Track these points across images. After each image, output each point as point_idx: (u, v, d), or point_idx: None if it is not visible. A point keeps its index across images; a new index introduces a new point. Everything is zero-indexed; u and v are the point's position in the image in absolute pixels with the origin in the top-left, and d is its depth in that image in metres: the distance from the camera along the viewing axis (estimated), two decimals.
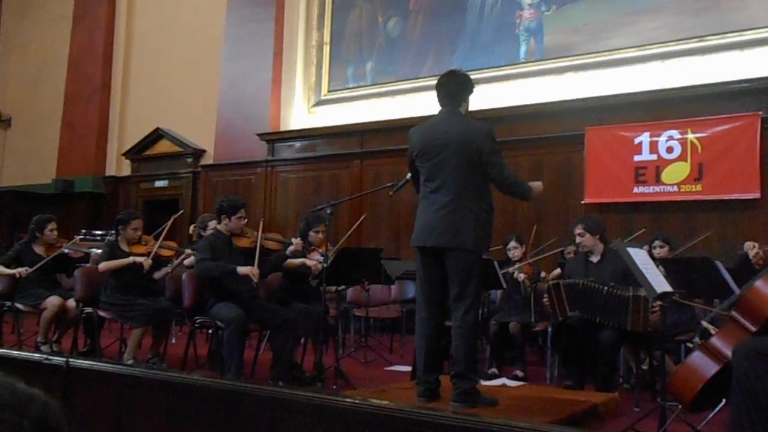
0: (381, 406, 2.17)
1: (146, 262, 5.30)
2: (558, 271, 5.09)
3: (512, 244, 5.85)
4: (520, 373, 5.29)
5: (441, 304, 3.76)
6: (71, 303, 5.60)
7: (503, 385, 4.57)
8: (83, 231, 8.58)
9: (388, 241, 8.53)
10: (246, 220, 5.21)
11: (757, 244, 4.69)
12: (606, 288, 4.51)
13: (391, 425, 2.09)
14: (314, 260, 5.25)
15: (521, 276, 5.51)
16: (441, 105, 3.84)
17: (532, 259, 5.80)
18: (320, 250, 5.30)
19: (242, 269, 4.83)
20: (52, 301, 5.58)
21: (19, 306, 5.75)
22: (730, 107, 6.85)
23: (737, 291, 3.40)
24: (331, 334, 5.84)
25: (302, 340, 5.57)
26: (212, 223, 6.13)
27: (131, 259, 5.32)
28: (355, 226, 6.38)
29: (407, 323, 7.04)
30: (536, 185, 3.87)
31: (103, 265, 5.31)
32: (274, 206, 9.97)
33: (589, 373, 4.81)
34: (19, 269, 5.71)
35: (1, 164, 14.03)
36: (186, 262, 5.73)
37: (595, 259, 4.96)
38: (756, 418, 2.51)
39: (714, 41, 7.18)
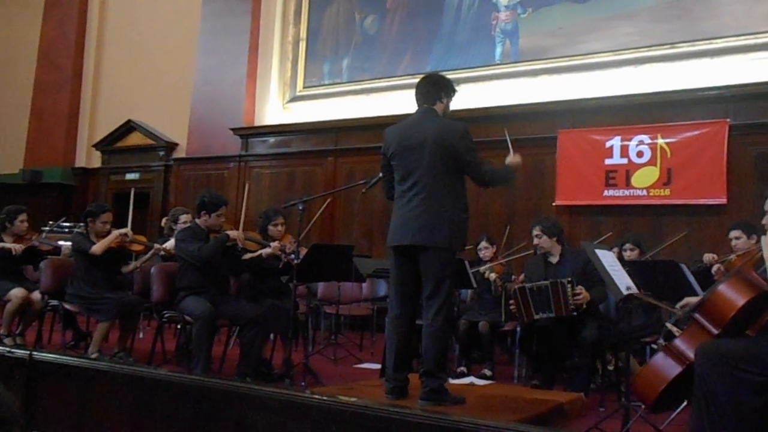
0: (349, 404, 2.17)
1: (129, 232, 5.42)
2: (523, 276, 5.18)
3: (483, 244, 5.89)
4: (488, 372, 5.33)
5: (413, 303, 3.78)
6: (36, 295, 5.51)
7: (471, 384, 4.61)
8: (50, 222, 8.42)
9: (360, 239, 8.53)
10: (224, 219, 5.17)
11: (716, 256, 4.82)
12: (533, 285, 4.72)
13: (359, 422, 2.09)
14: (273, 247, 5.20)
15: (493, 275, 5.54)
16: (417, 105, 3.88)
17: (504, 259, 5.85)
18: (283, 244, 5.27)
19: (232, 233, 4.97)
20: (16, 293, 5.49)
21: None
22: (699, 114, 6.97)
23: (701, 294, 3.47)
24: (301, 330, 5.81)
25: (271, 337, 5.54)
26: (184, 217, 6.08)
27: (117, 232, 5.36)
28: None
29: (378, 321, 7.05)
30: (512, 160, 3.85)
31: (96, 247, 5.25)
32: (246, 201, 9.90)
33: (558, 373, 4.88)
34: (14, 245, 5.65)
35: None
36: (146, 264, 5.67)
37: (554, 260, 5.03)
38: (716, 418, 2.56)
39: (685, 48, 7.30)
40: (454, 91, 3.92)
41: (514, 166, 3.86)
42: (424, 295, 3.67)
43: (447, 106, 3.89)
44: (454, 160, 3.65)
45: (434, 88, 3.85)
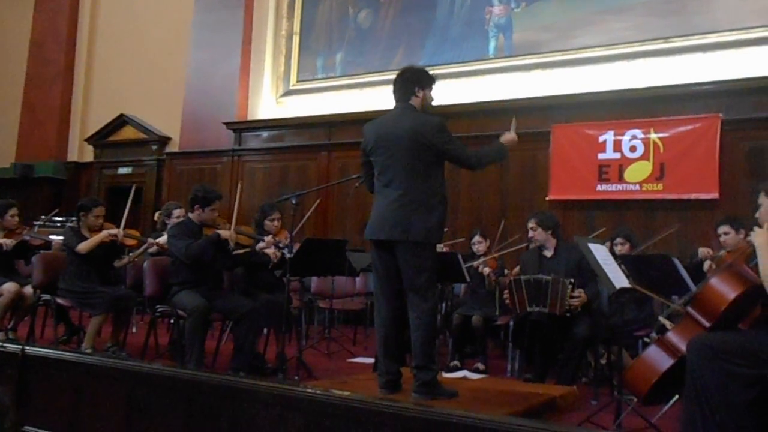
0: (342, 397, 2.17)
1: (119, 232, 5.35)
2: (518, 268, 5.18)
3: (477, 238, 5.90)
4: (481, 366, 5.34)
5: (398, 296, 3.79)
6: (28, 290, 5.50)
7: (464, 378, 4.63)
8: (42, 217, 8.38)
9: (353, 233, 8.51)
10: (217, 213, 5.16)
11: (711, 251, 4.83)
12: (530, 277, 4.71)
13: (352, 416, 2.10)
14: (271, 249, 5.20)
15: (486, 270, 5.55)
16: (395, 101, 3.89)
17: (497, 253, 5.86)
18: (278, 239, 5.27)
19: (223, 233, 4.91)
20: (8, 288, 5.47)
21: None
22: (692, 108, 6.98)
23: (694, 288, 3.48)
24: (294, 325, 5.82)
25: (265, 331, 5.54)
26: (177, 212, 6.07)
27: (106, 232, 5.30)
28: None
29: (371, 315, 7.04)
30: (507, 137, 3.89)
31: (82, 246, 5.22)
32: (239, 199, 9.88)
33: (551, 367, 4.90)
34: (5, 240, 5.62)
35: None
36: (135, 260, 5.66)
37: (548, 253, 5.04)
38: (707, 411, 2.58)
39: (678, 43, 7.31)
40: (431, 81, 3.89)
41: (507, 142, 3.89)
42: (405, 289, 3.68)
43: (425, 97, 3.86)
44: (431, 154, 3.67)
45: (407, 83, 3.84)
